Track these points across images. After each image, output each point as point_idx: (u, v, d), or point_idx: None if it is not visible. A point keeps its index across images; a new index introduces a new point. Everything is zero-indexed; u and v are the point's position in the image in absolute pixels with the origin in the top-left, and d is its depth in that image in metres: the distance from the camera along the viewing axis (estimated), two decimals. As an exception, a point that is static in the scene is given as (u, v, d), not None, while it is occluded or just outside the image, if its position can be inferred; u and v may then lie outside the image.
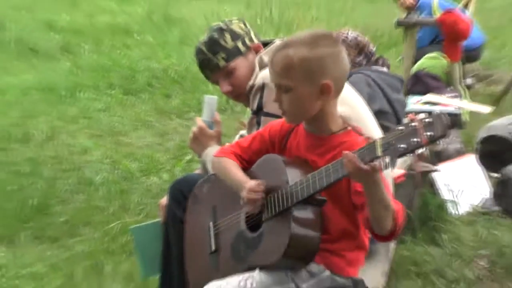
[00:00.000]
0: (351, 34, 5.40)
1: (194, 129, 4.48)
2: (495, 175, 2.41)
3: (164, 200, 4.57)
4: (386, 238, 3.38)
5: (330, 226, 3.51)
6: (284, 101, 3.43)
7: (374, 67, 4.98)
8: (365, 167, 2.95)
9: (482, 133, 2.34)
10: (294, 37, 3.58)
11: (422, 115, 3.12)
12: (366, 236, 3.61)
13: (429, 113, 3.06)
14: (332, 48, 3.42)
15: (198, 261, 4.12)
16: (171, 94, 10.13)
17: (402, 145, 2.97)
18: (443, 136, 3.03)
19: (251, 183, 3.47)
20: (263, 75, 4.29)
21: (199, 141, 4.46)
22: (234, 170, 3.75)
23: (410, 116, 3.23)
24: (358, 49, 5.13)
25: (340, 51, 3.45)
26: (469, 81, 9.31)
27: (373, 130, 4.01)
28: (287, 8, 15.28)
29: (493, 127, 2.30)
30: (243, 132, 4.77)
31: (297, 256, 3.51)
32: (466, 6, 9.71)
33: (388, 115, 4.87)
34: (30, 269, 5.53)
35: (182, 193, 4.38)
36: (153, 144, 8.42)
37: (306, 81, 3.36)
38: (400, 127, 3.00)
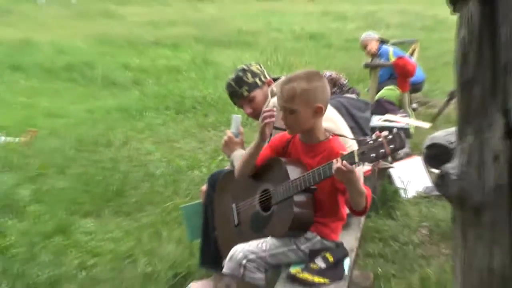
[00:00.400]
0: (327, 73, 5.77)
1: (225, 138, 5.01)
2: (436, 170, 2.90)
3: (204, 187, 5.21)
4: (360, 213, 4.08)
5: (320, 206, 4.13)
6: (289, 119, 4.02)
7: (346, 95, 5.30)
8: (347, 168, 3.63)
9: (427, 142, 2.94)
10: (295, 74, 4.13)
11: (385, 133, 3.91)
12: (344, 212, 4.21)
13: (390, 130, 3.94)
14: (321, 82, 4.03)
15: (226, 230, 4.63)
16: (208, 114, 10.70)
17: (372, 155, 3.70)
18: (401, 148, 3.89)
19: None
20: (274, 101, 4.85)
21: (229, 146, 4.99)
22: (251, 156, 4.34)
23: (377, 133, 3.77)
24: (332, 83, 5.37)
25: (326, 84, 4.05)
26: (414, 105, 10.14)
27: (349, 136, 4.59)
28: (288, 54, 16.19)
29: (435, 137, 2.92)
30: None
31: (297, 228, 4.11)
32: (412, 53, 10.95)
33: (353, 128, 5.11)
34: (111, 234, 6.04)
35: (215, 181, 5.02)
36: (196, 148, 8.86)
37: (305, 105, 3.96)
38: (370, 141, 3.67)
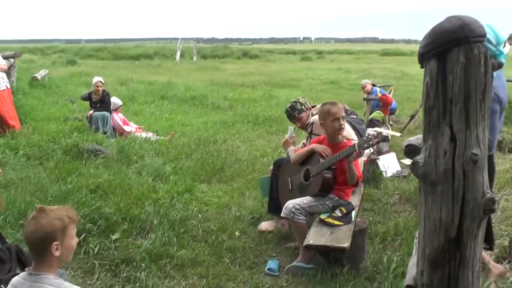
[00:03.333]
0: (342, 105, 6.02)
1: (284, 139, 5.05)
2: (409, 161, 2.92)
3: (271, 167, 5.25)
4: (353, 186, 4.23)
5: (337, 179, 4.21)
6: (343, 124, 4.23)
7: (350, 116, 5.27)
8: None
9: (405, 142, 2.94)
10: (327, 103, 4.32)
11: (372, 132, 4.10)
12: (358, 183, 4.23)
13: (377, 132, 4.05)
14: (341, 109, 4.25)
15: (284, 192, 4.68)
16: (272, 125, 10.54)
17: (365, 145, 3.94)
18: (382, 140, 4.00)
19: (321, 146, 4.27)
20: (312, 119, 4.90)
21: (286, 144, 4.99)
22: (301, 151, 4.48)
23: (369, 134, 4.21)
24: (344, 110, 5.56)
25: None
26: (391, 122, 9.97)
27: (355, 138, 4.55)
28: (318, 92, 16.55)
29: (410, 140, 2.92)
30: (304, 141, 5.14)
31: (324, 190, 4.19)
32: (390, 92, 10.78)
33: (356, 134, 4.87)
34: (216, 193, 6.06)
35: (277, 164, 5.05)
36: (265, 145, 8.73)
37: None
38: (364, 138, 3.96)
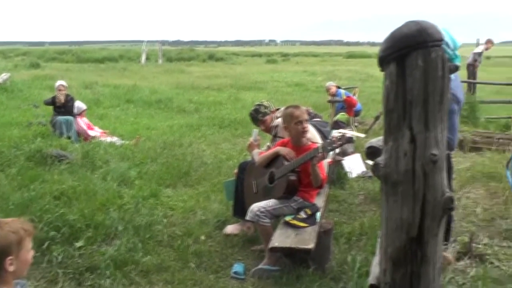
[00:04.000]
0: (306, 108, 6.07)
1: (248, 142, 5.07)
2: (371, 162, 2.92)
3: (235, 170, 5.23)
4: (317, 188, 4.26)
5: (301, 180, 4.23)
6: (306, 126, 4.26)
7: (314, 119, 5.31)
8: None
9: (367, 145, 2.96)
10: (291, 106, 4.37)
11: (336, 135, 4.14)
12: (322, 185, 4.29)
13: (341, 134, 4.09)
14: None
15: (249, 195, 4.69)
16: (238, 128, 10.59)
17: (329, 147, 3.97)
18: (347, 142, 4.03)
19: (285, 149, 4.28)
20: (276, 121, 4.98)
21: (250, 147, 4.99)
22: (265, 154, 4.48)
23: (332, 136, 4.20)
24: (308, 112, 5.61)
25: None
26: (356, 124, 10.00)
27: (319, 141, 4.58)
28: (283, 95, 16.66)
29: (372, 142, 2.94)
30: (269, 144, 5.23)
31: (289, 192, 4.21)
32: (354, 94, 10.89)
33: (321, 136, 4.94)
34: (181, 197, 6.02)
35: (242, 167, 5.05)
36: (231, 148, 8.76)
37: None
38: (328, 141, 3.97)
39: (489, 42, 16.74)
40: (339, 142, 3.88)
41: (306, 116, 4.25)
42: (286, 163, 4.25)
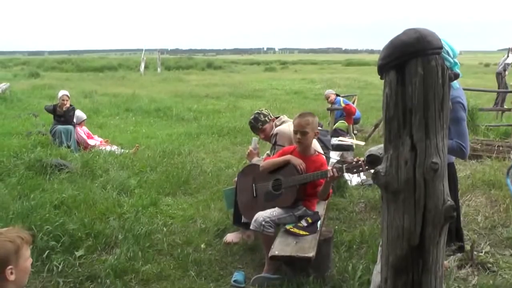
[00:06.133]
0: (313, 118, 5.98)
1: (247, 150, 5.15)
2: (372, 170, 2.87)
3: (235, 179, 5.07)
4: (324, 199, 4.32)
5: (306, 191, 4.22)
6: (301, 138, 4.14)
7: None
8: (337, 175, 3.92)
9: (367, 153, 2.94)
10: (304, 112, 4.31)
11: (362, 159, 3.94)
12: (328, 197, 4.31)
13: (365, 160, 3.95)
14: (315, 117, 4.29)
15: (246, 198, 4.58)
16: (237, 136, 10.61)
17: (354, 170, 3.92)
18: (368, 169, 3.92)
19: (297, 160, 4.18)
20: (276, 130, 5.01)
21: (250, 155, 5.09)
22: (274, 160, 4.38)
23: (357, 158, 4.15)
24: None
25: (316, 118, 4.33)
26: (355, 132, 10.06)
27: (321, 151, 4.59)
28: (282, 103, 16.66)
29: (371, 150, 2.91)
30: (268, 152, 5.26)
31: (295, 202, 4.20)
32: (353, 102, 10.91)
33: (321, 145, 4.99)
34: (181, 206, 6.02)
35: None
36: (230, 156, 8.75)
37: (312, 130, 4.16)
38: (353, 162, 3.94)
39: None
40: (360, 168, 3.88)
41: (303, 129, 4.16)
42: (297, 174, 4.19)
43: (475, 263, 4.20)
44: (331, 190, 4.23)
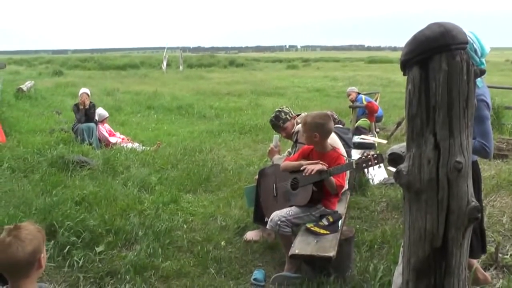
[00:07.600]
0: (331, 113, 5.93)
1: (269, 148, 5.14)
2: (394, 169, 2.81)
3: (256, 176, 5.05)
4: (335, 195, 4.23)
5: (324, 190, 4.14)
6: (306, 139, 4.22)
7: (336, 126, 5.10)
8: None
9: (389, 151, 2.87)
10: (320, 112, 4.33)
11: (372, 153, 4.00)
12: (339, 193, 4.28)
13: (375, 154, 3.88)
14: (315, 117, 4.16)
15: (268, 197, 4.60)
16: (258, 134, 10.59)
17: (364, 165, 3.92)
18: (380, 162, 3.94)
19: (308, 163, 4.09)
20: (297, 127, 4.92)
21: (271, 153, 5.10)
22: (291, 163, 4.32)
23: (367, 152, 4.13)
24: (333, 118, 5.49)
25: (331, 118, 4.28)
26: (377, 130, 9.96)
27: (341, 148, 4.53)
28: (304, 100, 16.58)
29: (393, 148, 2.84)
30: (289, 150, 5.23)
31: (312, 201, 4.13)
32: (376, 99, 10.89)
33: (343, 143, 4.84)
34: (202, 203, 6.03)
35: (263, 173, 4.87)
36: (251, 154, 8.73)
37: (309, 130, 4.13)
38: (363, 157, 3.90)
39: None
40: (375, 161, 3.83)
41: (303, 130, 4.24)
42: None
43: (499, 265, 4.10)
44: (342, 183, 4.15)
